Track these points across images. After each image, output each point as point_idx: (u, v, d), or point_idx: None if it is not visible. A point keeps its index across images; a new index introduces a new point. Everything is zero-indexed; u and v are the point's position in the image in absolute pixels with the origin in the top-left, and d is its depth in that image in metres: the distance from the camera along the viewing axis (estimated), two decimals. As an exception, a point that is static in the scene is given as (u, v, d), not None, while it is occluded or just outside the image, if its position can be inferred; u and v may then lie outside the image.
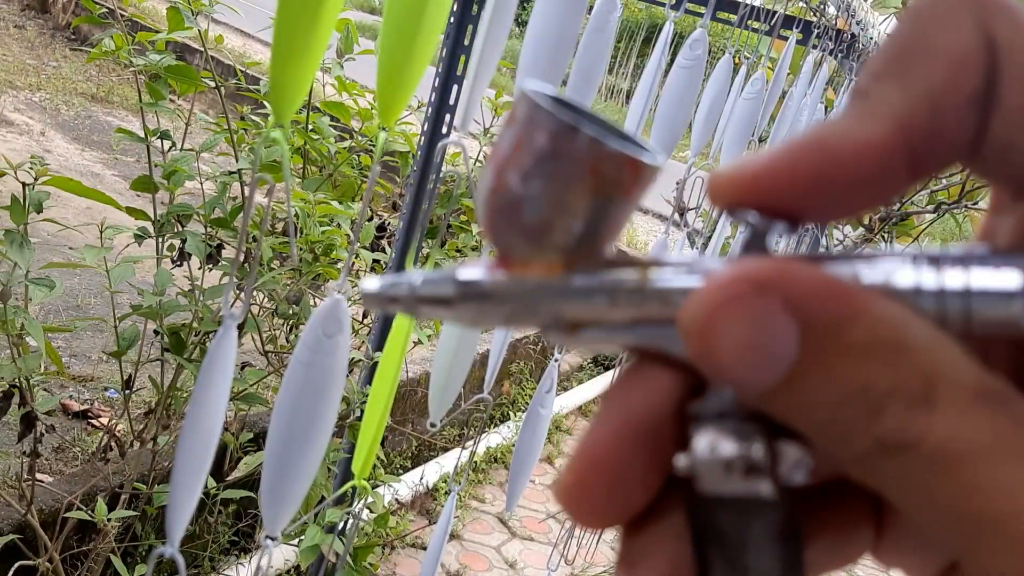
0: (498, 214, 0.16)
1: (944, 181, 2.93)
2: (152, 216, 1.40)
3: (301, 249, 1.33)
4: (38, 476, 1.40)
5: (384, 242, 2.08)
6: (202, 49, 1.36)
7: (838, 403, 0.13)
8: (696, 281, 0.15)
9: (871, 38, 1.37)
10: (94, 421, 2.03)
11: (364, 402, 1.11)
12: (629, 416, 0.14)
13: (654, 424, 0.14)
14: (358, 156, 1.67)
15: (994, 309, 0.13)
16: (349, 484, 0.72)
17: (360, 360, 1.24)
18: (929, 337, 0.13)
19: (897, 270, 0.14)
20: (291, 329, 1.67)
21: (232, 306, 0.49)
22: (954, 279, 0.13)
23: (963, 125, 0.14)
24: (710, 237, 1.38)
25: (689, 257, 0.15)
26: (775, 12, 1.09)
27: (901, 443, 0.12)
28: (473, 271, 0.17)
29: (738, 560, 0.14)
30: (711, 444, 0.14)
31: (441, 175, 1.15)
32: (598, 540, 1.41)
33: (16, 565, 1.28)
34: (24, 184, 1.19)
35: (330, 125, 1.60)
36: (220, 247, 1.44)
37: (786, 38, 1.14)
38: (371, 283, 0.18)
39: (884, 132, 0.14)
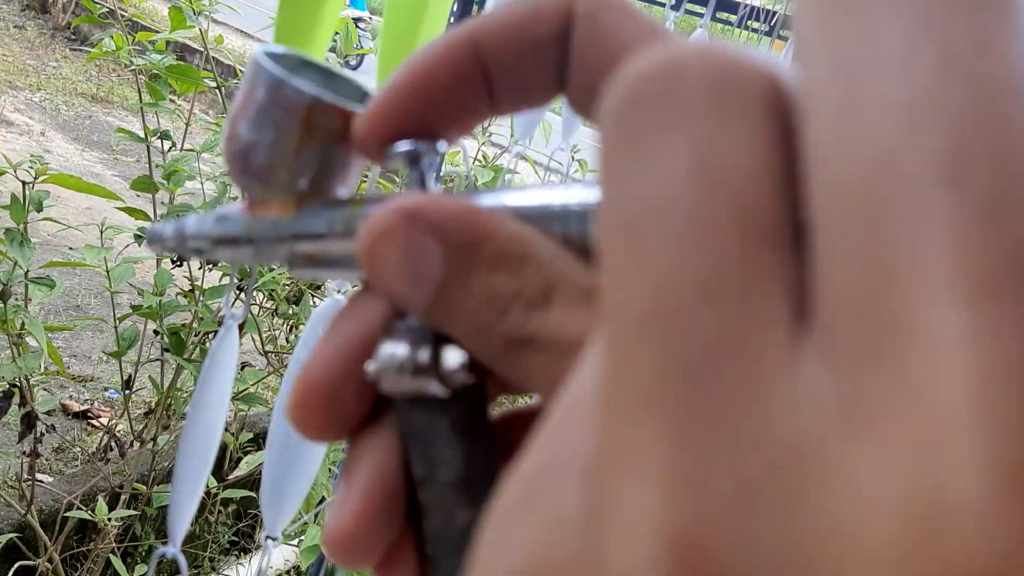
0: (234, 160, 0.18)
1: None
2: (152, 216, 1.40)
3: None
4: (38, 476, 1.40)
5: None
6: (202, 49, 1.36)
7: (475, 310, 0.15)
8: None
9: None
10: (94, 421, 2.03)
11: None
12: (343, 340, 0.16)
13: (365, 346, 0.16)
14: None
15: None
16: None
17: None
18: (551, 251, 0.15)
19: (533, 195, 0.16)
20: (291, 329, 1.66)
21: (232, 306, 0.49)
22: (577, 199, 0.15)
23: (543, 57, 0.17)
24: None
25: (390, 195, 0.17)
26: (775, 12, 1.09)
27: (523, 338, 0.14)
28: (228, 211, 0.19)
29: (429, 453, 0.16)
30: (389, 350, 0.16)
31: (440, 175, 1.15)
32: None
33: (16, 565, 1.28)
34: (24, 183, 1.19)
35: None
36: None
37: (786, 39, 1.14)
38: (153, 227, 0.21)
39: (455, 41, 0.17)
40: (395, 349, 0.16)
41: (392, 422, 0.17)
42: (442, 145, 0.17)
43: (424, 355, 0.16)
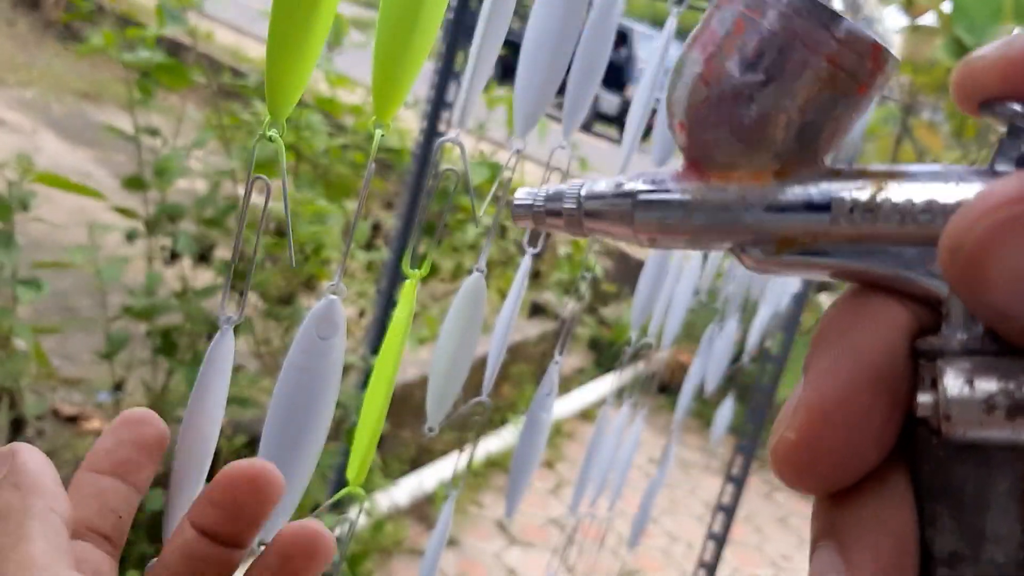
0: (706, 108, 0.14)
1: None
2: (143, 215, 1.37)
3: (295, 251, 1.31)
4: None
5: (379, 241, 2.05)
6: (194, 46, 1.34)
7: None
8: (957, 196, 0.12)
9: (878, 33, 1.35)
10: (85, 424, 2.01)
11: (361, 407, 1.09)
12: (860, 359, 0.12)
13: (889, 367, 0.12)
14: (351, 153, 1.65)
15: None
16: (344, 491, 0.70)
17: (357, 363, 1.22)
18: None
19: None
20: (286, 330, 1.64)
21: (227, 308, 0.47)
22: None
23: None
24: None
25: (932, 167, 0.13)
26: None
27: None
28: (660, 180, 0.15)
29: (974, 523, 0.12)
30: (968, 380, 0.12)
31: (439, 172, 1.13)
32: (600, 547, 1.39)
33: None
34: (10, 183, 1.16)
35: (322, 121, 1.58)
36: (212, 247, 1.42)
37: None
38: (523, 194, 0.16)
39: None
40: (977, 379, 0.12)
41: (899, 475, 0.13)
42: None
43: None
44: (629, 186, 0.15)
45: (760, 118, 0.13)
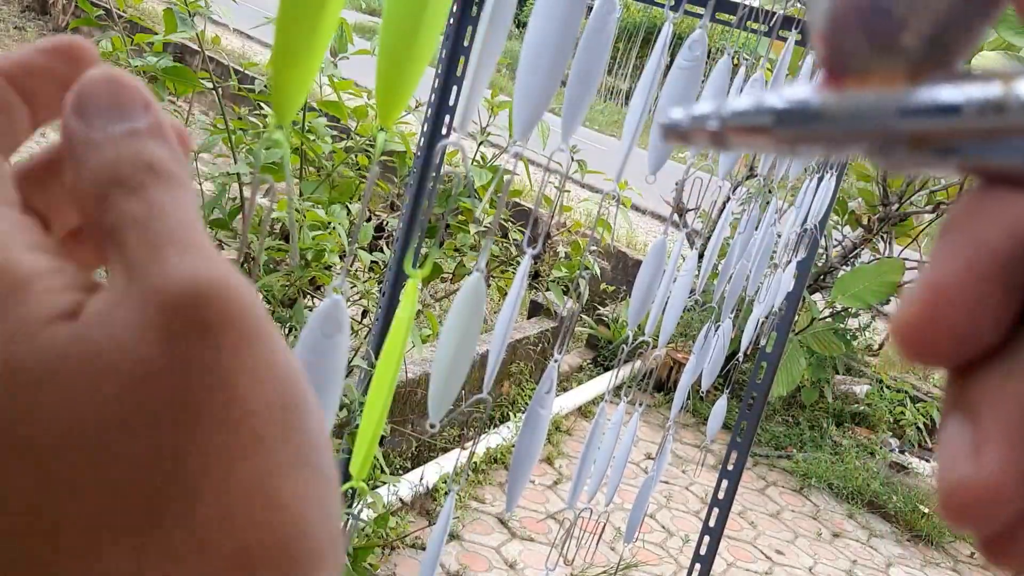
0: (845, 14, 0.15)
1: (943, 181, 2.93)
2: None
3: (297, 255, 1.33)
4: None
5: (382, 242, 2.08)
6: (200, 50, 1.36)
7: None
8: None
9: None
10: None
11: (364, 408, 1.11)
12: (980, 244, 0.13)
13: (1010, 253, 0.13)
14: (355, 156, 1.67)
15: None
16: (347, 485, 0.72)
17: (360, 365, 1.24)
18: None
19: None
20: (289, 332, 1.67)
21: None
22: None
23: None
24: (709, 237, 1.38)
25: None
26: (774, 13, 1.09)
27: None
28: (797, 92, 0.16)
29: None
30: None
31: (440, 175, 1.15)
32: (598, 541, 1.41)
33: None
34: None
35: (327, 125, 1.60)
36: (219, 248, 1.45)
37: (785, 39, 1.14)
38: (673, 114, 0.18)
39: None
40: None
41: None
42: None
43: None
44: (770, 102, 0.16)
45: (895, 23, 0.14)
